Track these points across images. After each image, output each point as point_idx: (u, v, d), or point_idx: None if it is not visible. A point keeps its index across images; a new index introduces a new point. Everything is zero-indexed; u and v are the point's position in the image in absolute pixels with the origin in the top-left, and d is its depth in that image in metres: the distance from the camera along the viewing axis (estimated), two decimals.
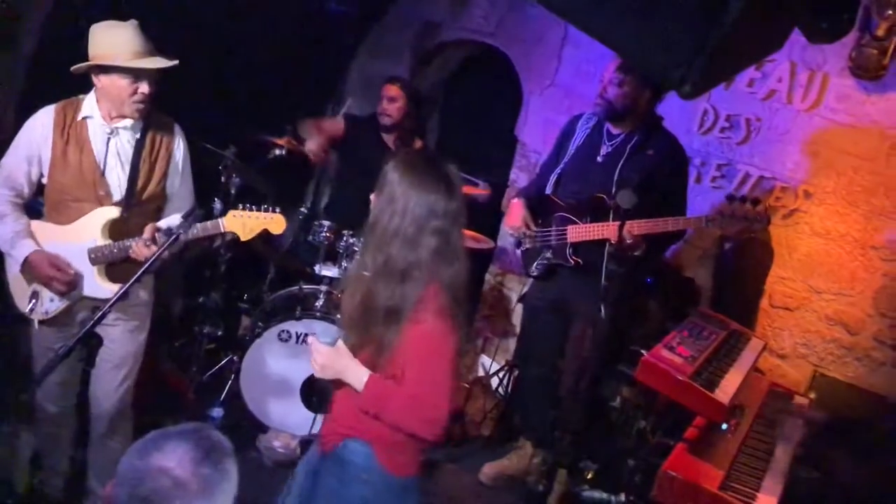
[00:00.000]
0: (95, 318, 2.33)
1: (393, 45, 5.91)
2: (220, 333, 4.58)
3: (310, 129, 4.69)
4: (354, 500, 2.28)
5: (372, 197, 2.32)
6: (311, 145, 4.61)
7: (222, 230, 3.05)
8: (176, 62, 2.93)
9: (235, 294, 4.84)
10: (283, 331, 4.09)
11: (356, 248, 4.38)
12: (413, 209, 2.19)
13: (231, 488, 1.66)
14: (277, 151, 4.45)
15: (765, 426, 3.39)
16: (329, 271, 4.34)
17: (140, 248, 2.93)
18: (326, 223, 4.39)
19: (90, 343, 2.33)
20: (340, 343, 2.29)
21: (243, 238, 3.07)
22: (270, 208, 3.06)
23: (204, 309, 4.50)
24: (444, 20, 5.66)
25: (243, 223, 3.04)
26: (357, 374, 2.22)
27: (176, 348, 4.62)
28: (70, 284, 2.99)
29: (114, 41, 2.84)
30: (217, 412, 4.16)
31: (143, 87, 2.90)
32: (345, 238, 4.35)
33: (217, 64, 4.49)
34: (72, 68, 2.89)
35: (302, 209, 4.51)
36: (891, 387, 3.95)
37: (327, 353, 2.28)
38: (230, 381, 4.27)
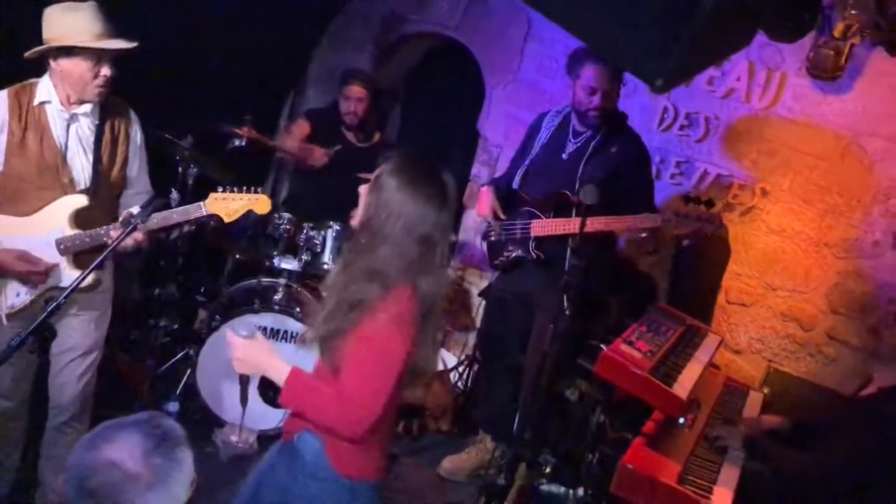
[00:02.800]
0: (49, 308, 2.27)
1: (355, 37, 5.86)
2: (176, 326, 4.50)
3: (284, 136, 4.69)
4: (299, 494, 2.24)
5: (361, 192, 2.26)
6: (293, 145, 4.60)
7: (204, 213, 2.96)
8: (136, 44, 2.84)
9: (192, 286, 4.76)
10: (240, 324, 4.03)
11: (316, 241, 4.35)
12: (407, 217, 2.13)
13: (185, 476, 1.63)
14: (237, 142, 4.39)
15: (722, 421, 3.44)
16: (288, 264, 4.29)
17: (119, 235, 2.81)
18: (286, 216, 4.35)
19: (43, 334, 2.26)
20: (259, 335, 2.24)
21: (227, 220, 2.99)
22: (254, 188, 3.00)
23: (160, 301, 4.42)
24: (407, 12, 5.63)
25: (226, 205, 2.96)
26: (277, 369, 2.16)
27: (131, 341, 4.53)
28: (47, 273, 2.92)
29: (73, 23, 2.76)
30: (172, 406, 4.09)
31: (106, 70, 2.81)
32: (304, 231, 4.31)
33: (176, 53, 4.40)
34: (27, 53, 2.81)
35: None
36: (843, 381, 4.03)
37: (243, 345, 2.21)
38: (186, 375, 4.20)
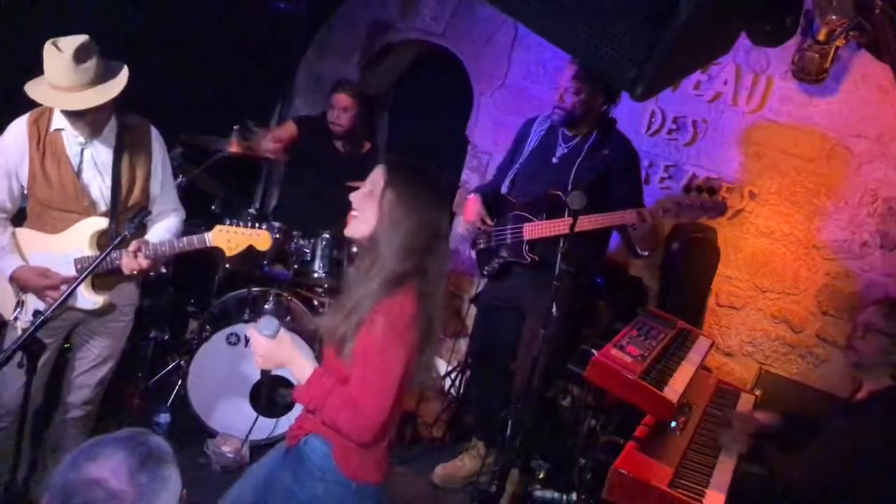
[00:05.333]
0: (36, 323, 2.27)
1: (342, 45, 5.87)
2: (166, 337, 4.49)
3: (265, 136, 4.64)
4: (305, 497, 2.26)
5: (353, 198, 2.30)
6: (269, 145, 4.56)
7: (208, 245, 3.03)
8: (109, 98, 2.82)
9: (182, 297, 4.75)
10: (231, 334, 4.03)
11: (306, 250, 4.35)
12: (411, 223, 2.18)
13: (172, 495, 1.60)
14: (225, 152, 4.39)
15: (713, 424, 3.44)
16: (279, 273, 4.29)
17: (129, 261, 2.94)
18: (276, 224, 4.34)
19: (32, 349, 2.25)
20: (283, 333, 2.26)
21: (228, 254, 3.07)
22: (256, 224, 3.07)
23: (150, 312, 4.40)
24: (393, 20, 5.64)
25: (228, 238, 3.03)
26: (301, 366, 2.22)
27: (121, 352, 4.51)
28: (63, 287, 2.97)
29: (51, 70, 2.75)
30: (164, 417, 4.08)
31: (81, 122, 2.86)
32: (295, 239, 4.30)
33: (163, 63, 4.40)
34: (26, 88, 2.82)
35: (251, 210, 4.45)
36: (834, 382, 4.05)
37: (269, 343, 2.24)
38: (177, 386, 4.19)
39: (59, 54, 2.71)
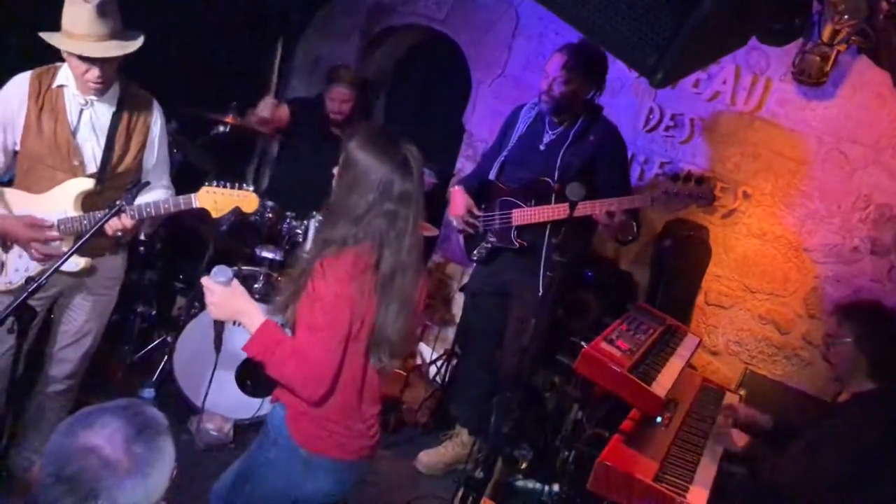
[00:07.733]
0: (29, 289, 2.25)
1: (341, 27, 5.83)
2: (153, 312, 4.46)
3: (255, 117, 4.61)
4: (260, 460, 2.30)
5: (335, 172, 2.31)
6: (253, 119, 4.53)
7: (194, 206, 2.99)
8: (127, 52, 2.83)
9: (171, 273, 4.72)
10: None
11: (298, 231, 4.33)
12: (370, 183, 2.17)
13: (166, 466, 1.60)
14: (220, 128, 4.36)
15: (698, 420, 3.46)
16: (269, 253, 4.26)
17: (112, 222, 2.86)
18: (269, 204, 4.32)
19: (23, 315, 2.23)
20: (236, 282, 2.26)
21: (214, 215, 3.02)
22: (244, 186, 3.01)
23: (138, 287, 4.38)
24: (394, 4, 5.61)
25: (215, 200, 2.98)
26: (251, 317, 2.20)
27: (108, 326, 4.48)
28: (52, 242, 2.93)
29: (71, 18, 2.74)
30: (148, 393, 4.07)
31: (93, 73, 2.82)
32: (287, 220, 4.28)
33: (161, 38, 4.35)
34: (40, 34, 2.80)
35: None
36: (818, 385, 4.07)
37: (221, 291, 2.23)
38: (163, 362, 4.17)
39: (83, 4, 2.71)
